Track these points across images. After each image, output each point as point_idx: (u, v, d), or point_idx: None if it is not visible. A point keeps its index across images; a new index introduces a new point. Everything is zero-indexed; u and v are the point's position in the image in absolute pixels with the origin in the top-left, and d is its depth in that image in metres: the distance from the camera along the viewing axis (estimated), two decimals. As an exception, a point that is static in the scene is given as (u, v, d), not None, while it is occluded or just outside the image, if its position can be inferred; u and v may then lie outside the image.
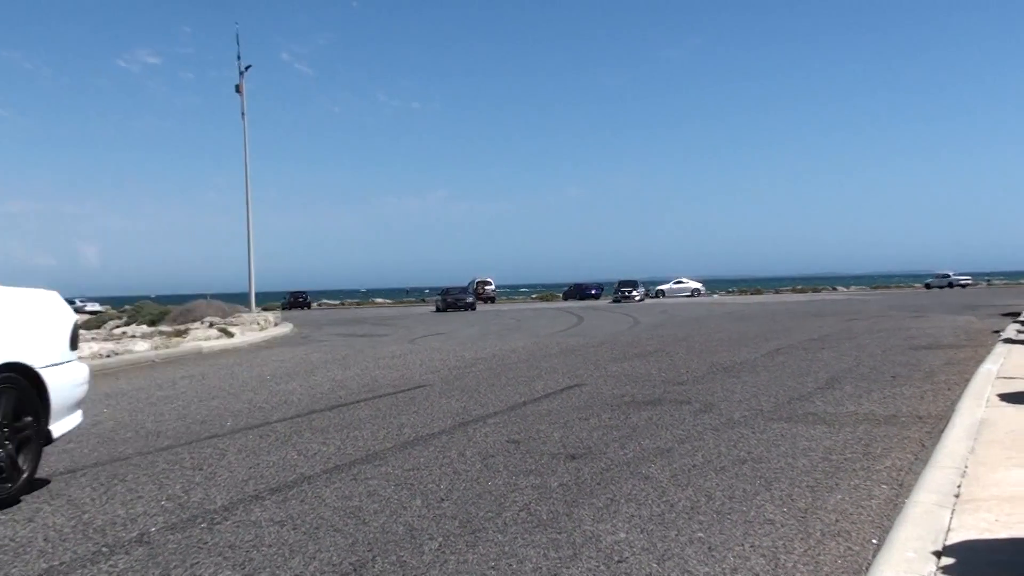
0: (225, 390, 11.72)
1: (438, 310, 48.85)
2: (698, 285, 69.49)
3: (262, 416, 9.10)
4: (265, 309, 40.09)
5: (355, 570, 4.04)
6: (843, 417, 7.88)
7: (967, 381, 9.56)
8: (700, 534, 4.43)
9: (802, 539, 4.31)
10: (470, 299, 51.42)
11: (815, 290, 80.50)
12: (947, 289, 71.94)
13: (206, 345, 19.81)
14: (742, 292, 79.88)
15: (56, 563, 4.30)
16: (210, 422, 8.82)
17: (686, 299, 62.07)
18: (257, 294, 34.25)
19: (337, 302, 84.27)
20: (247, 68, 33.71)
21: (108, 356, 16.47)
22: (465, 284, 70.06)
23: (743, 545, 4.23)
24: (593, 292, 70.77)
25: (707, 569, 3.91)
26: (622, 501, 5.12)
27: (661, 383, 10.78)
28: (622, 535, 4.45)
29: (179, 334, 21.40)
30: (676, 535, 4.42)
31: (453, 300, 50.31)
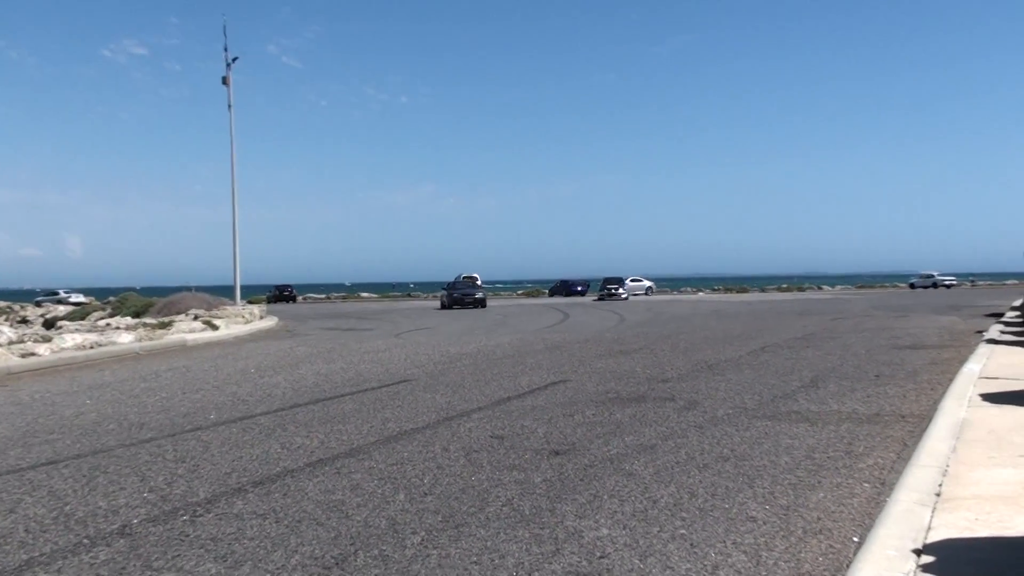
0: (209, 383, 11.67)
1: (443, 307, 44.25)
2: (650, 284, 71.58)
3: (246, 409, 9.07)
4: (250, 302, 39.89)
5: (337, 564, 4.03)
6: (826, 416, 7.92)
7: (950, 381, 9.63)
8: (683, 531, 4.44)
9: (784, 536, 4.33)
10: (479, 295, 45.65)
11: (800, 289, 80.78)
12: (931, 289, 72.32)
13: (190, 338, 19.70)
14: (728, 290, 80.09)
15: (37, 554, 4.27)
16: (193, 415, 8.78)
17: (642, 296, 64.20)
18: (242, 287, 34.11)
19: (323, 296, 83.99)
20: (234, 60, 33.50)
21: (92, 348, 16.37)
22: (453, 279, 69.74)
23: (725, 542, 4.25)
24: (579, 289, 70.89)
25: (689, 566, 3.92)
26: (605, 497, 5.13)
27: (646, 380, 10.80)
28: (604, 531, 4.45)
29: (163, 326, 21.28)
30: (659, 532, 4.43)
31: (460, 296, 44.93)
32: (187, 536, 4.53)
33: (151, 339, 18.63)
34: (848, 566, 3.78)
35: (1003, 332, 16.45)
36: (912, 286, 78.58)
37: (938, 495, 4.70)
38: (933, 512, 4.36)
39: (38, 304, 59.10)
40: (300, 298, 75.16)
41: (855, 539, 4.25)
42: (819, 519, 4.64)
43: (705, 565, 3.92)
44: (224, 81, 33.29)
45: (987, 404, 7.80)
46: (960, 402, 7.93)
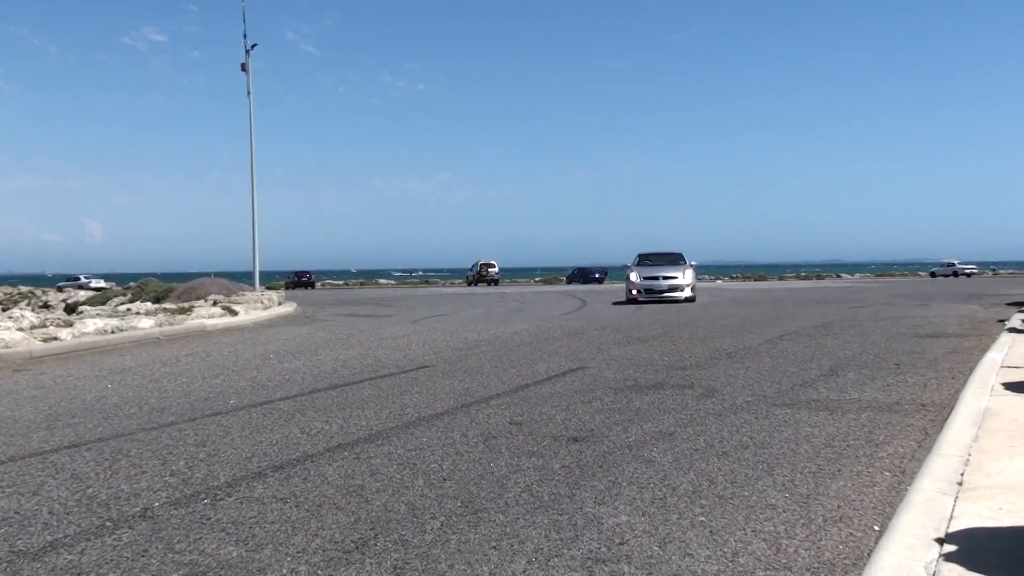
0: (228, 368, 11.74)
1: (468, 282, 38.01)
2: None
3: (265, 394, 9.12)
4: (269, 288, 40.08)
5: (357, 548, 4.06)
6: (846, 404, 7.87)
7: (971, 370, 9.54)
8: (702, 518, 4.43)
9: (804, 524, 4.31)
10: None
11: (819, 277, 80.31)
12: (952, 278, 71.70)
13: (210, 323, 19.82)
14: (746, 278, 79.77)
15: (61, 536, 4.33)
16: (214, 399, 8.84)
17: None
18: (261, 273, 34.23)
19: (341, 282, 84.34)
20: (253, 47, 33.44)
21: (112, 332, 16.50)
22: (471, 266, 69.91)
23: (745, 529, 4.24)
24: (597, 276, 70.64)
25: (708, 553, 3.92)
26: (624, 484, 5.13)
27: (664, 367, 10.77)
28: (624, 518, 4.46)
29: (183, 311, 21.41)
30: (678, 519, 4.42)
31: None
32: (208, 519, 4.56)
33: (171, 324, 18.75)
34: (869, 555, 3.77)
35: (1026, 321, 16.26)
36: (933, 274, 78.00)
37: (960, 484, 4.66)
38: (955, 501, 4.33)
39: (60, 289, 59.61)
40: (318, 284, 75.49)
41: (876, 527, 4.23)
42: (839, 507, 4.62)
43: (725, 552, 3.92)
44: (243, 68, 33.27)
45: (1009, 393, 7.72)
46: (982, 391, 7.85)
